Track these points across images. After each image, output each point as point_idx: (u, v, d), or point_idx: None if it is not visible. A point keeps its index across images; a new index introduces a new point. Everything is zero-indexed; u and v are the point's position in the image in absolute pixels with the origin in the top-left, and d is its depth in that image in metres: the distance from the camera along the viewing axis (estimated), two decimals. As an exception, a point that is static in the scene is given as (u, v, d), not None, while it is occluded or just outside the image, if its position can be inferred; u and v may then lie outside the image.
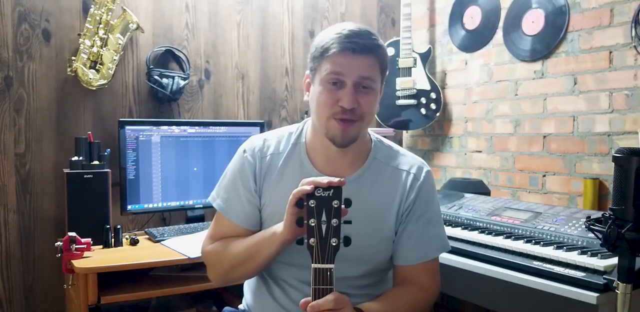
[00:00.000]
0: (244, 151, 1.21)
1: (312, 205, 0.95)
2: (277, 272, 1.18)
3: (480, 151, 2.50)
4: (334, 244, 0.94)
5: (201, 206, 2.22)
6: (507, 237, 1.64)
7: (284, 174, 1.17)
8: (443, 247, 1.20)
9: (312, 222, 0.95)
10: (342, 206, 0.95)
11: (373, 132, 1.26)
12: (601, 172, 1.97)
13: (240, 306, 1.29)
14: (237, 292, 1.87)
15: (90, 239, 1.76)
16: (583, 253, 1.41)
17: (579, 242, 1.52)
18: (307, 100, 1.17)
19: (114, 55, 2.10)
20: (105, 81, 2.10)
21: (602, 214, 1.11)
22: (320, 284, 0.94)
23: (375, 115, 2.69)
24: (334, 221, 0.95)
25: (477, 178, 2.43)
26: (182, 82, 2.26)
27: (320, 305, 0.91)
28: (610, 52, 1.94)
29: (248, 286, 1.28)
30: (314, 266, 0.94)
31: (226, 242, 1.16)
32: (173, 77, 2.25)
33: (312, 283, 0.94)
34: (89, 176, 1.89)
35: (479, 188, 2.28)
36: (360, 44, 1.05)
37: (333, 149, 1.13)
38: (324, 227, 0.95)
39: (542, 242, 1.54)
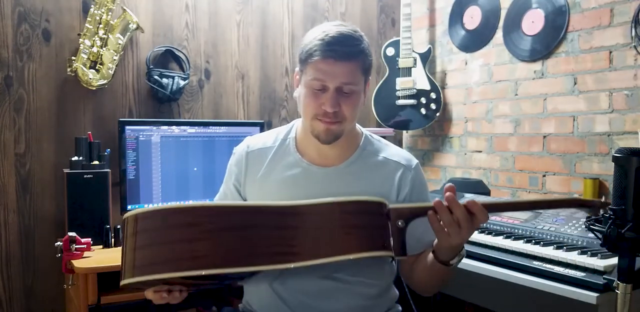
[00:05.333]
0: (234, 150, 1.32)
1: None
2: None
3: (480, 151, 2.50)
4: None
5: (201, 206, 2.21)
6: (507, 237, 1.64)
7: (277, 165, 1.24)
8: None
9: None
10: None
11: (362, 128, 1.31)
12: (601, 172, 1.96)
13: (240, 306, 1.30)
14: (237, 293, 1.87)
15: (90, 239, 1.77)
16: (583, 253, 1.41)
17: (579, 242, 1.52)
18: (296, 97, 1.22)
19: (114, 55, 2.10)
20: (105, 81, 2.10)
21: (602, 214, 1.11)
22: None
23: (376, 115, 2.69)
24: None
25: (477, 178, 2.43)
26: (182, 82, 2.26)
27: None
28: (610, 52, 1.94)
29: None
30: None
31: None
32: (173, 77, 2.25)
33: None
34: (89, 176, 1.89)
35: (479, 188, 2.28)
36: (341, 52, 1.08)
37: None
38: None
39: (542, 242, 1.54)
